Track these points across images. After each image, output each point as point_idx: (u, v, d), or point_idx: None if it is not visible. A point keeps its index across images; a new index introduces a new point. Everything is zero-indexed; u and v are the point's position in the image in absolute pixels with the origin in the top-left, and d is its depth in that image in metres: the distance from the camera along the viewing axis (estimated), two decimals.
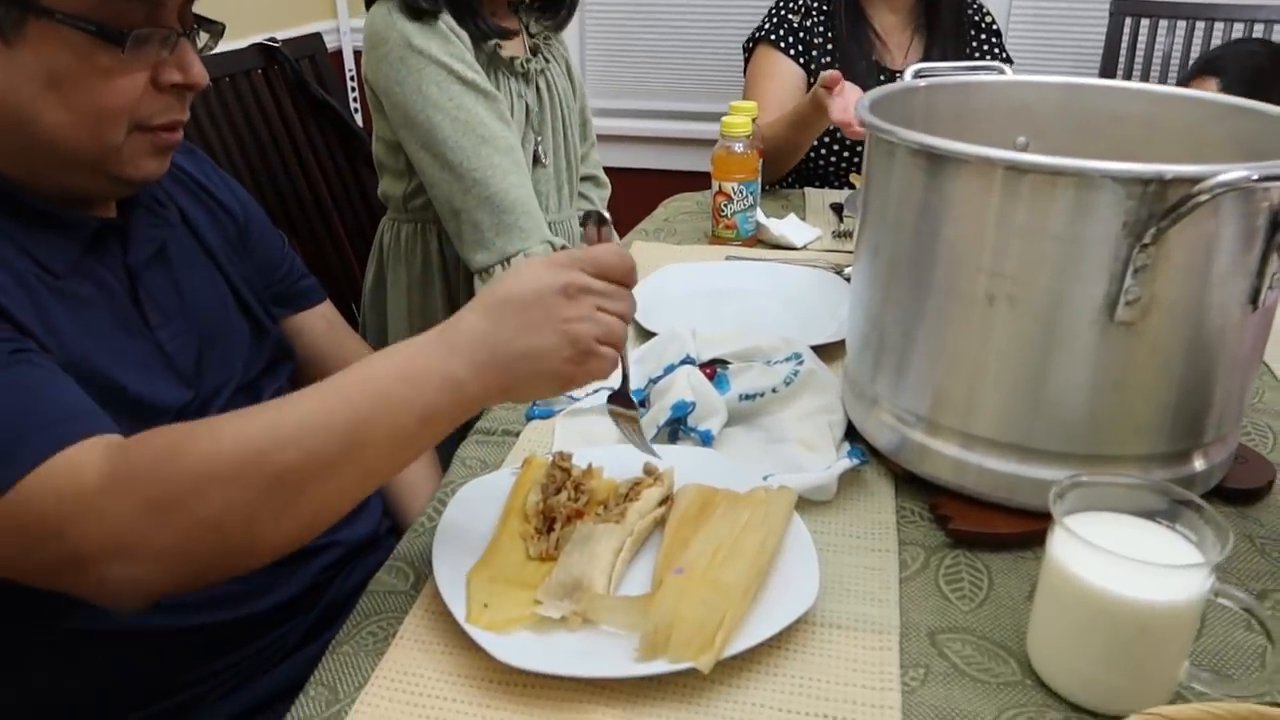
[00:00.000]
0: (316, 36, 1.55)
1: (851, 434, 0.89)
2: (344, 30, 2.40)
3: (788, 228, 1.44)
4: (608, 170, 2.29)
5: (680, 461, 0.81)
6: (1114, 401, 0.72)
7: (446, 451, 0.95)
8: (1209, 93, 0.89)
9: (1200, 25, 2.11)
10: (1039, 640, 0.63)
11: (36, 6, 0.67)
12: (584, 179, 1.39)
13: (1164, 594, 0.56)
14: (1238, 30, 2.09)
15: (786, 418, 0.90)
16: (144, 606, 0.63)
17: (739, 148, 1.39)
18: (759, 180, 1.43)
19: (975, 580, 0.72)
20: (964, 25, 1.76)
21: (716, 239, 1.44)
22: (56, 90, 0.70)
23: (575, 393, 0.97)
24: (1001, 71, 1.00)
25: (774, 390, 0.91)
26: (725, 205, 1.41)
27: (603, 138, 2.50)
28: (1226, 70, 1.50)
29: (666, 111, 2.55)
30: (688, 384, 0.90)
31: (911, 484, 0.83)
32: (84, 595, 0.62)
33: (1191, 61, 2.11)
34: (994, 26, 1.82)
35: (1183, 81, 1.57)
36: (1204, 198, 0.63)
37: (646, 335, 1.09)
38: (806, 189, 1.74)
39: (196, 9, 0.78)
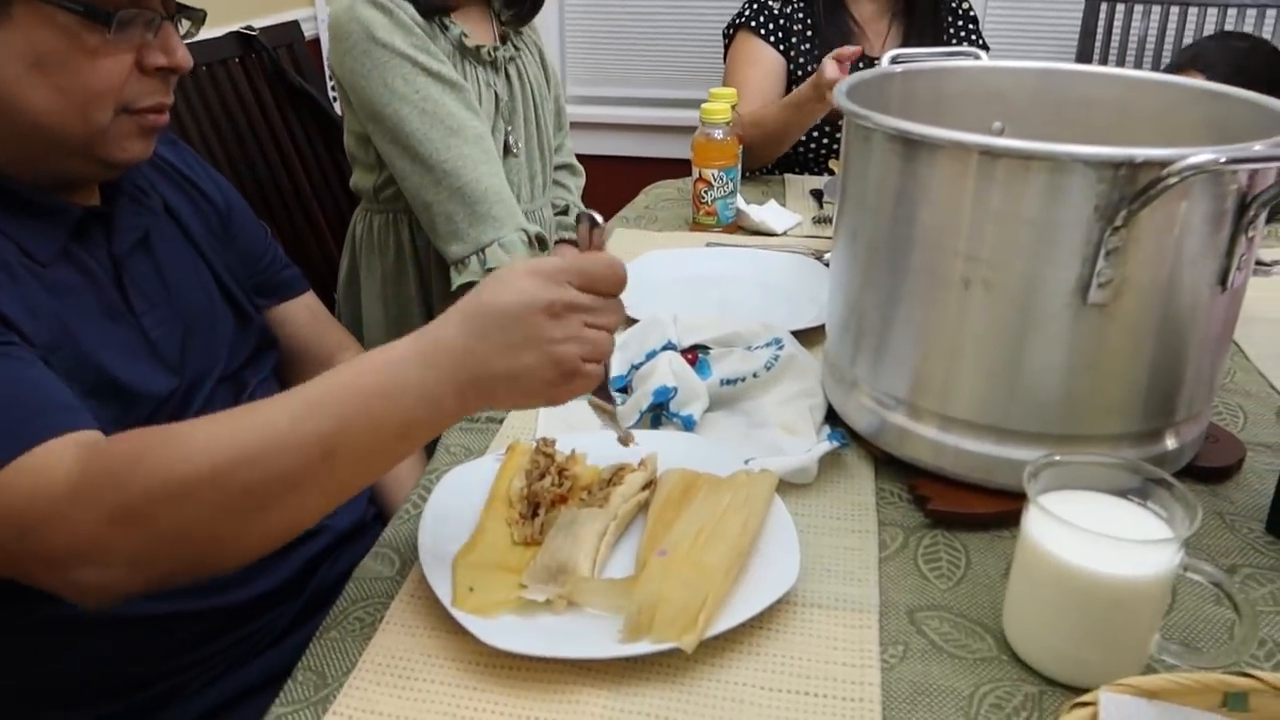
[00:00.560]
0: (294, 25, 1.55)
1: (832, 417, 0.90)
2: (321, 18, 2.38)
3: (768, 214, 1.45)
4: (589, 157, 2.29)
5: (663, 446, 0.82)
6: (1087, 382, 0.74)
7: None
8: (1180, 78, 0.91)
9: (1175, 10, 2.13)
10: (1014, 616, 0.64)
11: None
12: (559, 168, 1.39)
13: (1134, 569, 0.57)
14: (1210, 15, 2.11)
15: (767, 402, 0.91)
16: (114, 604, 0.63)
17: (719, 134, 1.39)
18: (739, 167, 1.44)
19: (953, 559, 0.74)
20: (941, 12, 1.77)
21: (697, 225, 1.45)
22: (43, 72, 0.71)
23: None
24: (977, 57, 1.01)
25: (755, 375, 0.92)
26: (706, 192, 1.42)
27: (584, 125, 2.51)
28: (1211, 65, 1.52)
29: (647, 99, 2.55)
30: (670, 369, 0.91)
31: (891, 466, 0.84)
32: (53, 591, 0.62)
33: (1167, 47, 2.13)
34: (970, 13, 1.83)
35: (1167, 72, 1.59)
36: (1173, 180, 0.64)
37: (629, 322, 1.10)
38: (786, 175, 1.75)
39: None
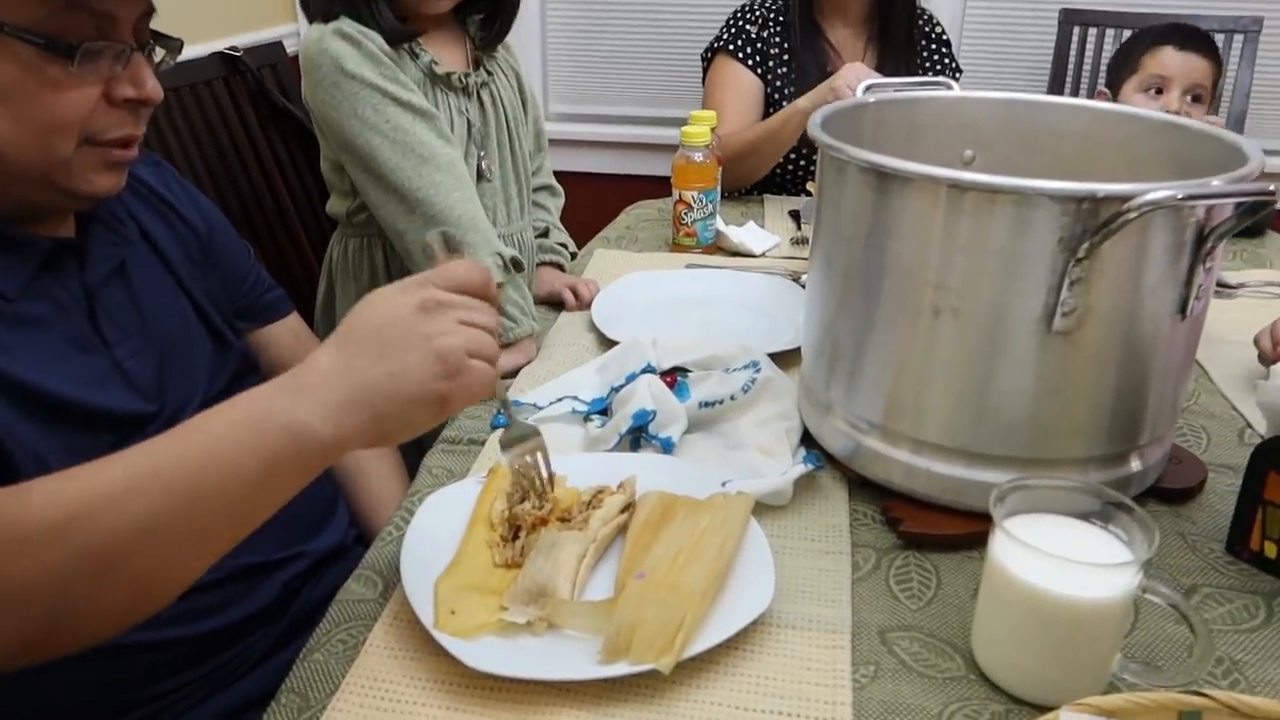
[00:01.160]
0: (278, 45, 1.56)
1: (807, 439, 0.92)
2: (303, 34, 2.39)
3: (747, 235, 1.47)
4: (572, 174, 2.32)
5: (642, 469, 0.83)
6: (1053, 407, 0.76)
7: (413, 461, 0.97)
8: (1141, 109, 0.93)
9: None
10: (982, 636, 0.66)
11: None
12: (538, 189, 1.40)
13: (1094, 591, 0.59)
14: None
15: (744, 424, 0.93)
16: None
17: (698, 157, 1.42)
18: (718, 189, 1.46)
19: (924, 580, 0.76)
20: (915, 37, 1.80)
21: (677, 246, 1.47)
22: (3, 103, 0.69)
23: (538, 400, 1.00)
24: (949, 87, 1.04)
25: (732, 398, 0.94)
26: (685, 213, 1.44)
27: (566, 143, 2.54)
28: (1171, 35, 1.63)
29: (629, 117, 2.57)
30: (648, 392, 0.92)
31: (864, 488, 0.86)
32: None
33: None
34: (944, 37, 1.86)
35: (1126, 64, 1.68)
36: (1133, 215, 0.66)
37: (609, 344, 1.11)
38: (765, 196, 1.78)
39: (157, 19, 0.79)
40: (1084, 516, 0.66)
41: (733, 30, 1.80)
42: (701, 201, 1.43)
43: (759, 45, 1.78)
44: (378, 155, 1.08)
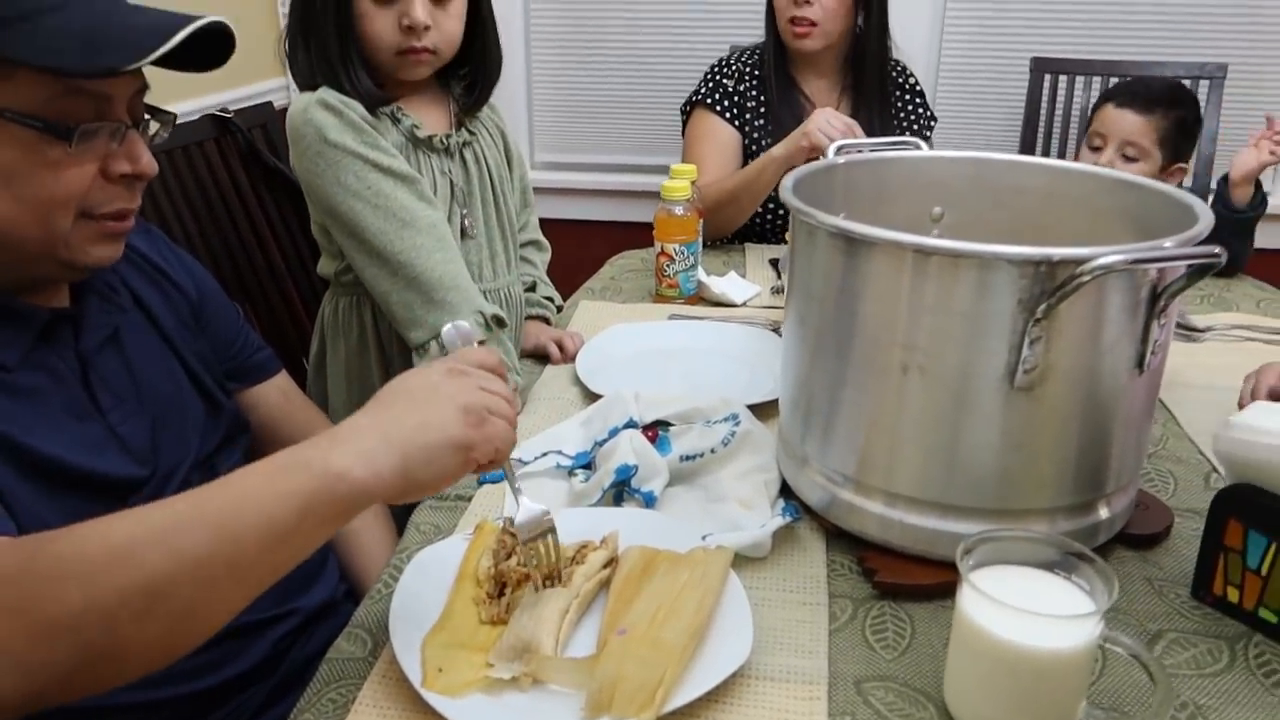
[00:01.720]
0: (267, 105, 1.60)
1: (786, 491, 0.94)
2: (292, 86, 2.44)
3: (728, 285, 1.51)
4: (559, 221, 2.36)
5: (625, 523, 0.86)
6: (1020, 460, 0.79)
7: (401, 517, 0.99)
8: (1099, 167, 0.97)
9: (1112, 80, 2.23)
10: (953, 686, 0.69)
11: None
12: (525, 244, 1.44)
13: (1057, 641, 0.62)
14: None
15: (725, 477, 0.95)
16: (13, 715, 0.60)
17: (679, 211, 1.45)
18: (699, 240, 1.50)
19: (899, 630, 0.78)
20: (887, 88, 1.85)
21: (660, 297, 1.50)
22: (4, 183, 0.72)
23: (524, 456, 1.02)
24: (918, 147, 1.08)
25: (712, 451, 0.96)
26: (668, 265, 1.47)
27: (553, 190, 2.58)
28: (1117, 92, 1.67)
29: (612, 165, 2.62)
30: (630, 447, 0.95)
31: (841, 538, 0.88)
32: None
33: None
34: (917, 87, 1.92)
35: (1086, 124, 1.72)
36: (1086, 278, 0.70)
37: (593, 397, 1.14)
38: (746, 245, 1.82)
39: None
40: (1048, 567, 0.68)
41: (710, 85, 1.85)
42: (683, 254, 1.47)
43: (736, 99, 1.83)
44: (360, 220, 1.12)
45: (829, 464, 0.87)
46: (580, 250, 2.20)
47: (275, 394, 1.08)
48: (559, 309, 1.46)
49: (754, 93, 1.83)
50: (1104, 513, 0.84)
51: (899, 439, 0.81)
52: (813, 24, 1.73)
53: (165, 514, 0.60)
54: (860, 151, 1.04)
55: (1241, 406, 1.10)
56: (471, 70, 1.26)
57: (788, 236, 1.80)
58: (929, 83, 2.39)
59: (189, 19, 0.76)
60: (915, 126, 1.91)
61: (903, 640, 0.77)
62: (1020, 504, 0.81)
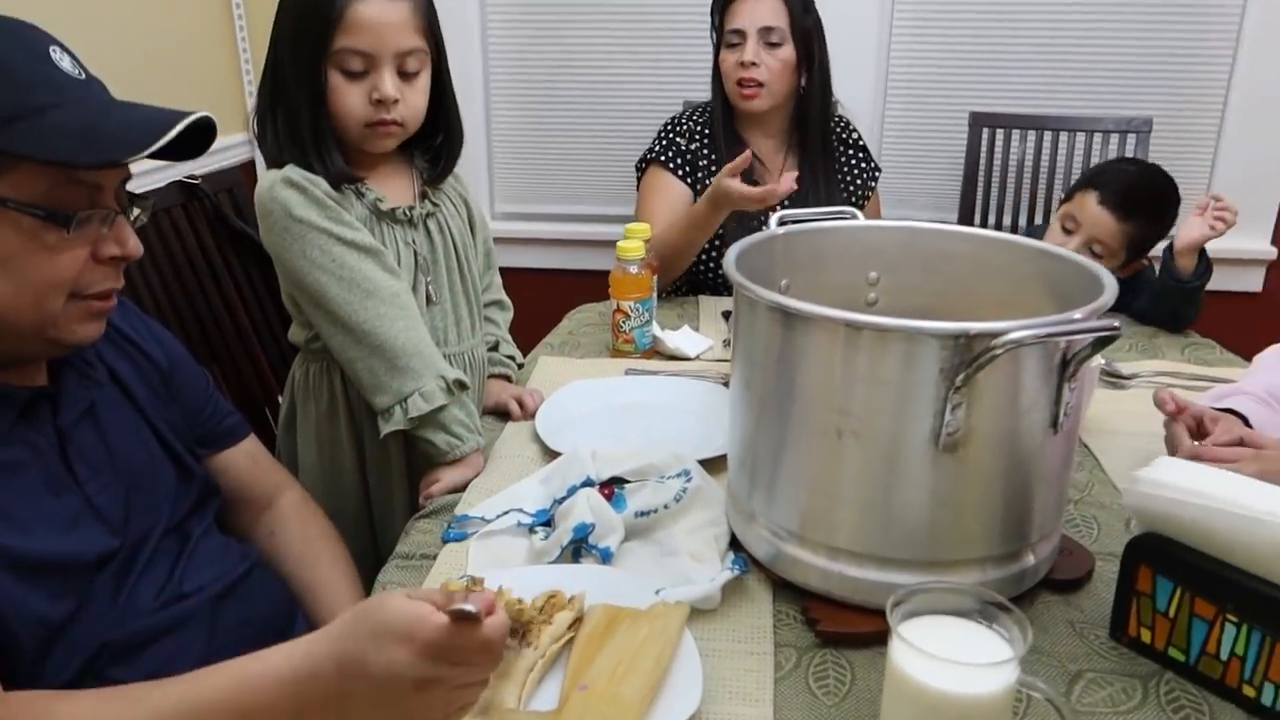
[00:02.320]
0: (235, 170, 1.64)
1: (735, 543, 1.00)
2: (256, 146, 2.48)
3: (682, 339, 1.57)
4: (520, 270, 2.42)
5: (583, 580, 0.91)
6: (948, 515, 0.85)
7: (369, 576, 1.03)
8: (1019, 238, 1.05)
9: (1048, 135, 2.35)
10: None
11: None
12: (489, 304, 1.49)
13: (977, 687, 0.68)
14: (1079, 139, 2.33)
15: (677, 532, 1.00)
16: None
17: (634, 269, 1.52)
18: (654, 296, 1.56)
19: (839, 676, 0.84)
20: (831, 144, 1.94)
21: (617, 352, 1.56)
22: (3, 267, 0.78)
23: (486, 514, 1.07)
24: (854, 216, 1.15)
25: (665, 507, 1.02)
26: (623, 322, 1.53)
27: (514, 240, 2.64)
28: (1105, 185, 1.71)
29: (571, 215, 2.69)
30: (588, 506, 1.00)
31: (787, 589, 0.94)
32: None
33: (1043, 165, 2.35)
34: (860, 143, 2.01)
35: (1069, 194, 1.79)
36: (1000, 350, 0.76)
37: (553, 454, 1.19)
38: (700, 297, 1.89)
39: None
40: (972, 616, 0.74)
41: (664, 143, 1.93)
42: (638, 310, 1.53)
43: (688, 156, 1.91)
44: (325, 292, 1.17)
45: (774, 520, 0.93)
46: (541, 297, 2.26)
47: (244, 459, 1.12)
48: (520, 366, 1.51)
49: (705, 150, 1.91)
50: (1030, 560, 0.91)
51: (837, 497, 0.87)
52: (759, 85, 1.81)
53: None
54: (800, 221, 1.11)
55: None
56: (435, 143, 1.32)
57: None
58: (874, 137, 2.49)
59: (178, 115, 0.82)
60: (860, 180, 2.00)
61: (843, 686, 0.82)
62: (951, 555, 0.87)
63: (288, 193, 1.16)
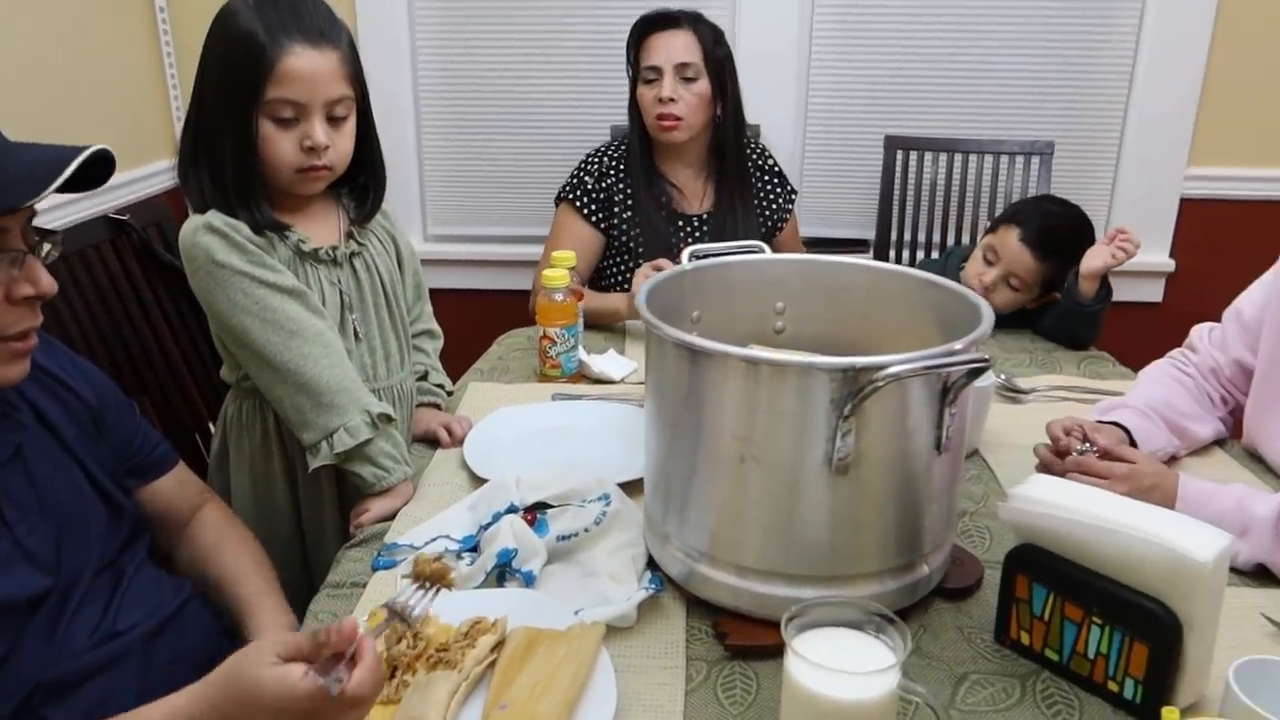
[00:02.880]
0: (162, 205, 1.66)
1: (653, 563, 1.06)
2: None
3: (607, 363, 1.63)
4: (452, 291, 2.47)
5: (507, 605, 0.96)
6: (845, 533, 0.92)
7: (300, 605, 1.06)
8: (910, 269, 1.13)
9: (958, 156, 2.46)
10: None
11: None
12: (419, 334, 1.53)
13: (861, 693, 0.74)
14: (987, 161, 2.45)
15: (597, 554, 1.06)
16: None
17: (559, 297, 1.57)
18: (580, 321, 1.62)
19: (746, 687, 0.90)
20: (747, 170, 2.03)
21: (545, 377, 1.61)
22: None
23: (415, 541, 1.11)
24: (761, 250, 1.22)
25: (586, 530, 1.07)
26: (550, 348, 1.59)
27: (446, 261, 2.68)
28: (1027, 223, 1.83)
29: (501, 236, 2.73)
30: (511, 532, 1.05)
31: (699, 605, 1.00)
32: None
33: (954, 184, 2.46)
34: (776, 168, 2.10)
35: (994, 225, 1.90)
36: (881, 383, 0.83)
37: (480, 480, 1.24)
38: (627, 322, 1.94)
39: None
40: (862, 627, 0.81)
41: (574, 182, 2.00)
42: (564, 336, 1.58)
43: (598, 195, 1.98)
44: (250, 333, 1.20)
45: (686, 541, 0.99)
46: (476, 317, 2.33)
47: (174, 486, 1.15)
48: (449, 394, 1.55)
49: (620, 185, 1.98)
50: (924, 569, 0.98)
51: (743, 519, 0.94)
52: (678, 119, 1.88)
53: None
54: (710, 255, 1.17)
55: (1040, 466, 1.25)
56: (361, 183, 1.36)
57: None
58: (796, 159, 2.58)
59: (75, 150, 0.84)
60: (777, 204, 2.08)
61: (749, 696, 0.89)
62: (850, 570, 0.94)
63: (210, 239, 1.20)
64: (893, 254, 2.52)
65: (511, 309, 2.10)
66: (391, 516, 1.20)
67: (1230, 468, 1.32)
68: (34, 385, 0.99)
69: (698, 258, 1.17)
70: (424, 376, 1.50)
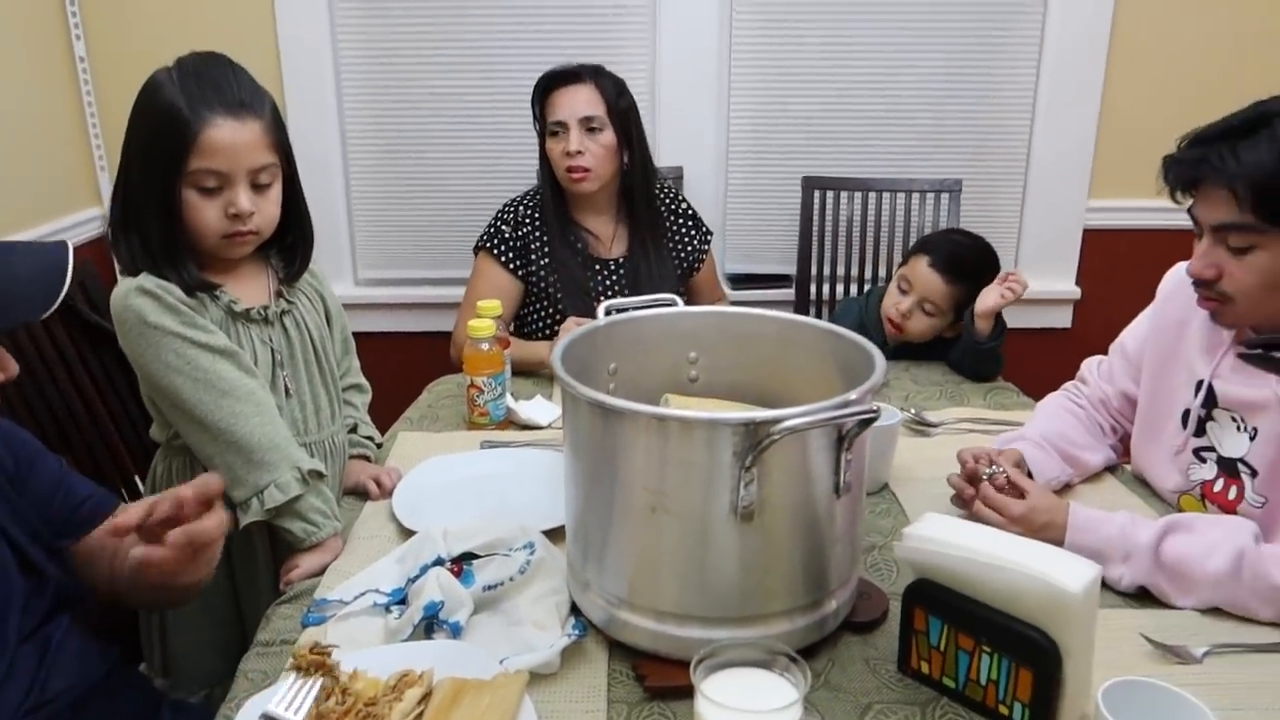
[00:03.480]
0: (88, 264, 1.66)
1: (576, 609, 1.10)
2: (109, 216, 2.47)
3: (534, 409, 1.67)
4: (382, 334, 2.50)
5: (434, 656, 0.99)
6: (754, 576, 0.98)
7: (234, 661, 1.08)
8: (813, 320, 1.20)
9: (872, 195, 2.57)
10: None
11: None
12: (348, 388, 1.56)
13: None
14: (899, 199, 2.56)
15: (522, 602, 1.10)
16: None
17: (485, 347, 1.61)
18: (507, 370, 1.66)
19: None
20: (659, 214, 2.11)
21: (473, 425, 1.65)
22: None
23: (344, 596, 1.14)
24: (674, 303, 1.28)
25: (511, 579, 1.11)
26: (478, 396, 1.63)
27: (376, 305, 2.70)
28: (935, 250, 1.96)
29: (432, 279, 2.76)
30: (437, 584, 1.08)
31: (620, 649, 1.04)
32: None
33: (869, 221, 2.57)
34: (690, 211, 2.18)
35: (906, 257, 2.02)
36: (779, 436, 0.89)
37: (409, 533, 1.27)
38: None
39: None
40: (768, 666, 0.87)
41: (492, 231, 2.05)
42: (491, 385, 1.62)
43: (515, 244, 2.03)
44: (181, 393, 1.23)
45: (606, 587, 1.03)
46: (407, 359, 2.38)
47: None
48: (379, 445, 1.58)
49: (537, 233, 2.04)
50: (832, 605, 1.04)
51: (657, 566, 0.99)
52: (587, 170, 1.95)
53: None
54: (624, 310, 1.23)
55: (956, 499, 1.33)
56: (289, 244, 1.39)
57: None
58: (719, 200, 2.67)
59: (62, 259, 0.95)
60: (691, 246, 2.16)
61: None
62: (761, 610, 0.99)
63: (141, 300, 1.22)
64: (813, 288, 2.62)
65: (441, 350, 2.14)
66: (321, 571, 1.22)
67: (1120, 493, 1.41)
68: None
69: (615, 311, 1.22)
70: (353, 429, 1.53)
